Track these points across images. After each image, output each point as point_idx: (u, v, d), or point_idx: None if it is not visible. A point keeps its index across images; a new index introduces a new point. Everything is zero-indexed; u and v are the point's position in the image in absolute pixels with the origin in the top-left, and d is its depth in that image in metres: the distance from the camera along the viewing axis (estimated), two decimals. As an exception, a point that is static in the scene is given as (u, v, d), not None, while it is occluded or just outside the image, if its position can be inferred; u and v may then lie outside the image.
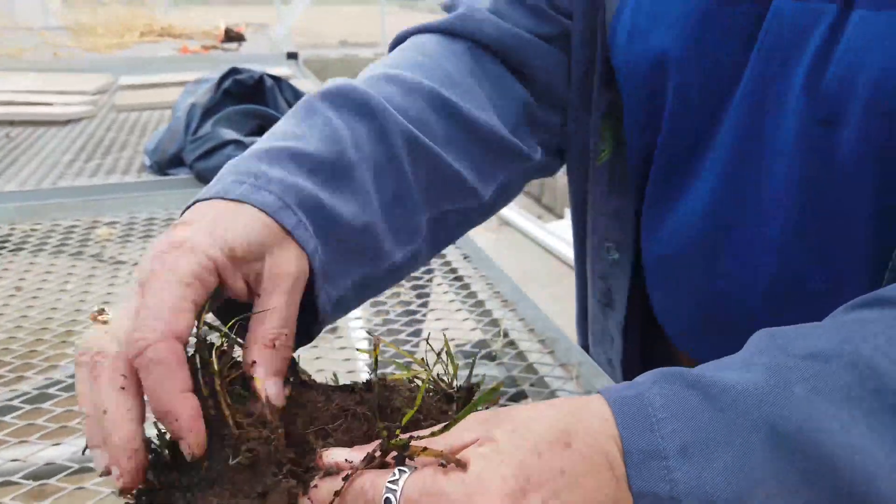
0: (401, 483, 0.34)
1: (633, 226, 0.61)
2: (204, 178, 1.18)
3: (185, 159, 1.19)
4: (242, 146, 1.14)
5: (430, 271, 1.01)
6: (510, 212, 3.83)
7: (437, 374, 0.39)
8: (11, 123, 1.61)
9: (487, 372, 0.79)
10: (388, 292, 0.99)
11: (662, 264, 0.58)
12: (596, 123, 0.61)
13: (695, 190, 0.54)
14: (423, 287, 0.97)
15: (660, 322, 0.63)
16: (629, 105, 0.56)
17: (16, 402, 0.67)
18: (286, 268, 0.41)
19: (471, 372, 0.38)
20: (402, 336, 0.87)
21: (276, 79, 1.36)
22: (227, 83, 1.28)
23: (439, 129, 0.54)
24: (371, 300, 0.66)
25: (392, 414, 0.38)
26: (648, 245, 0.60)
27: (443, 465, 0.33)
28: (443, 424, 0.35)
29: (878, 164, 0.44)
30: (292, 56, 2.31)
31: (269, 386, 0.38)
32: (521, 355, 0.79)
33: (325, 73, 4.44)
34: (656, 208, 0.57)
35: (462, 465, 0.33)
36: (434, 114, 0.54)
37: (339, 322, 0.66)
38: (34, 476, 0.57)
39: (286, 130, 0.48)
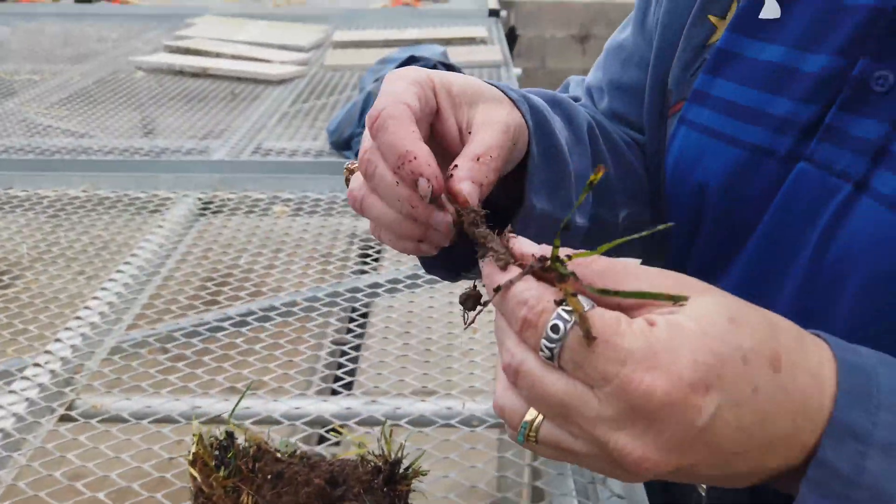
0: (575, 316, 0.30)
1: None
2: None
3: (352, 147, 1.36)
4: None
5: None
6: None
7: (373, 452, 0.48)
8: (239, 80, 1.88)
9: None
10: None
11: None
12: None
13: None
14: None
15: None
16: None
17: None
18: (498, 116, 0.42)
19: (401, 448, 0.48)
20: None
21: (449, 66, 1.47)
22: (402, 73, 1.41)
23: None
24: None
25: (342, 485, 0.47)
26: None
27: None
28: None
29: None
30: (494, 13, 2.38)
31: (464, 185, 0.38)
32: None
33: (539, 17, 4.40)
34: None
35: (650, 321, 0.30)
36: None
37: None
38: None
39: None
